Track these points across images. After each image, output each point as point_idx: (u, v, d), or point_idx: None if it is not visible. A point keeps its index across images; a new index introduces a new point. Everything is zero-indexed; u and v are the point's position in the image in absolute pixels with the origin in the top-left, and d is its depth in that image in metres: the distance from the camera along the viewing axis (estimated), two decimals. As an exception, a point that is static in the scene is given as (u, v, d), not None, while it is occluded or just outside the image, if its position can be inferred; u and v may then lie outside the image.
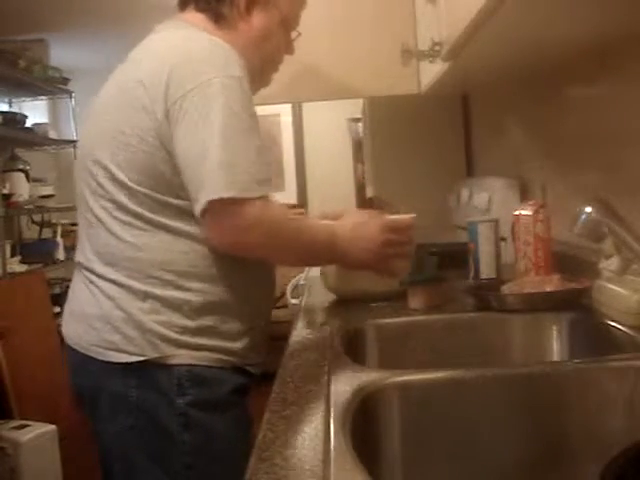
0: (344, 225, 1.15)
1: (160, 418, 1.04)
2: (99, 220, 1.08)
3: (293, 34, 1.26)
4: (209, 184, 0.98)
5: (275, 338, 1.20)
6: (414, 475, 0.77)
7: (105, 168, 1.06)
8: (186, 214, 1.05)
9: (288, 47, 1.26)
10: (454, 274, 1.41)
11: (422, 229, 1.25)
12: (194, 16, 1.15)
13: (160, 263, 1.05)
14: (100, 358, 1.06)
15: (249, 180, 0.99)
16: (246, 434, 1.06)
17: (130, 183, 1.04)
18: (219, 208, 0.98)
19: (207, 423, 1.05)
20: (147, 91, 1.02)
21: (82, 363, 1.09)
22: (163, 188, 1.04)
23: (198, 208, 0.99)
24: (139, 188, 1.04)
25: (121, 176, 1.04)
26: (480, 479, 0.78)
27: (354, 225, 1.15)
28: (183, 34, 1.11)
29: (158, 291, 1.04)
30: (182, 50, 1.05)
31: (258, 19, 1.17)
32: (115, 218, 1.06)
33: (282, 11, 1.20)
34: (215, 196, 0.97)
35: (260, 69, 1.19)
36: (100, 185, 1.07)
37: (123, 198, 1.05)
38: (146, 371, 1.04)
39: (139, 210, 1.04)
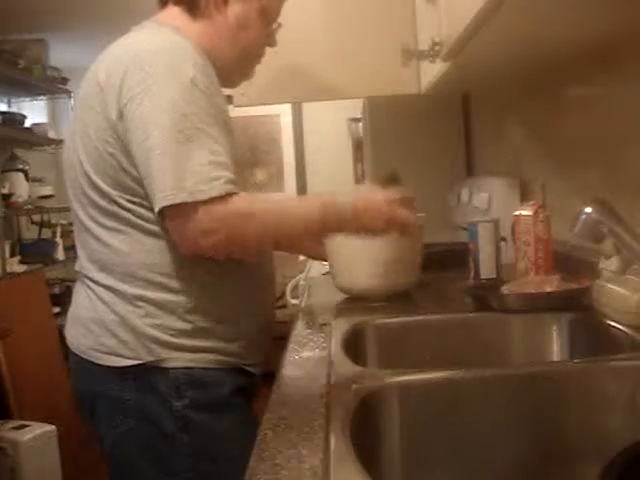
0: (346, 195, 1.13)
1: (159, 421, 1.04)
2: (85, 228, 1.08)
3: (274, 25, 1.24)
4: (158, 190, 0.97)
5: (275, 338, 1.20)
6: (414, 475, 0.77)
7: (85, 174, 1.06)
8: None
9: (269, 39, 1.23)
10: (454, 274, 1.42)
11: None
12: (170, 11, 1.15)
13: (149, 266, 1.04)
14: (98, 362, 1.06)
15: (199, 181, 0.96)
16: (249, 435, 1.06)
17: (108, 188, 1.04)
18: (174, 214, 0.98)
19: (207, 425, 1.05)
20: (103, 94, 1.02)
21: (82, 367, 1.09)
22: (138, 191, 1.03)
23: (156, 213, 0.99)
24: (115, 192, 1.03)
25: (98, 181, 1.04)
26: (480, 479, 0.78)
27: (356, 194, 1.15)
28: (144, 35, 1.09)
29: (150, 294, 1.04)
30: (135, 53, 1.03)
31: (234, 9, 1.16)
32: (99, 224, 1.06)
33: (261, 1, 1.18)
34: (165, 203, 0.96)
35: (240, 60, 1.18)
36: (83, 192, 1.07)
37: (103, 203, 1.04)
38: (143, 375, 1.04)
39: (122, 214, 1.04)
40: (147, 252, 1.04)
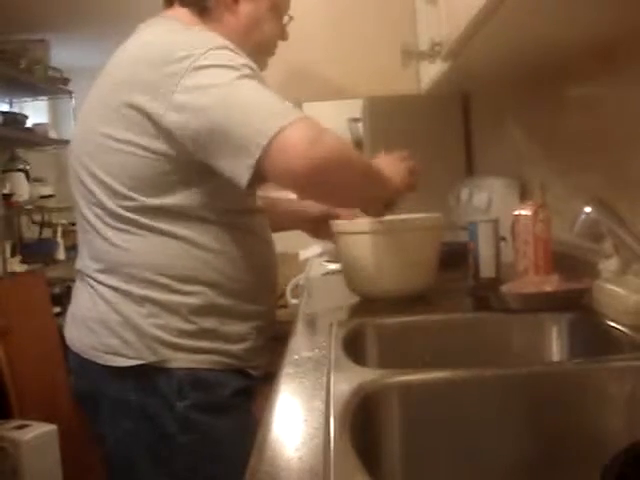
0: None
1: (161, 422, 1.04)
2: (92, 227, 1.07)
3: (285, 19, 1.24)
4: (253, 134, 0.93)
5: (275, 338, 1.20)
6: (414, 475, 0.77)
7: (94, 175, 1.05)
8: (180, 216, 1.04)
9: (281, 32, 1.24)
10: (454, 274, 1.41)
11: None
12: (177, 11, 1.14)
13: (155, 267, 1.04)
14: (100, 362, 1.06)
15: (286, 107, 0.97)
16: (249, 437, 1.06)
17: (121, 188, 1.03)
18: (275, 145, 0.92)
19: (208, 426, 1.05)
20: (136, 91, 1.00)
21: (83, 367, 1.09)
22: (157, 189, 1.03)
23: (250, 164, 0.94)
24: (130, 193, 1.03)
25: (111, 182, 1.03)
26: (480, 479, 0.78)
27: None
28: (162, 29, 1.09)
29: (155, 295, 1.04)
30: (163, 46, 1.03)
31: (245, 9, 1.16)
32: (107, 224, 1.05)
33: None
34: (269, 135, 0.92)
35: (253, 57, 1.19)
36: (90, 192, 1.06)
37: (113, 204, 1.04)
38: (145, 375, 1.04)
39: (131, 215, 1.04)
40: (153, 253, 1.04)
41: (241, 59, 1.01)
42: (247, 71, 0.99)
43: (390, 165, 1.18)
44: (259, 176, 0.96)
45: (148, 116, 1.00)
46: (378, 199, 1.19)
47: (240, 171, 0.95)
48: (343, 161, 1.01)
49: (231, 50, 1.02)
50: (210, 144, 0.97)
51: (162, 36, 1.06)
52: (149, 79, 1.00)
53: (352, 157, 1.05)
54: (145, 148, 1.01)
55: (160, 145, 1.00)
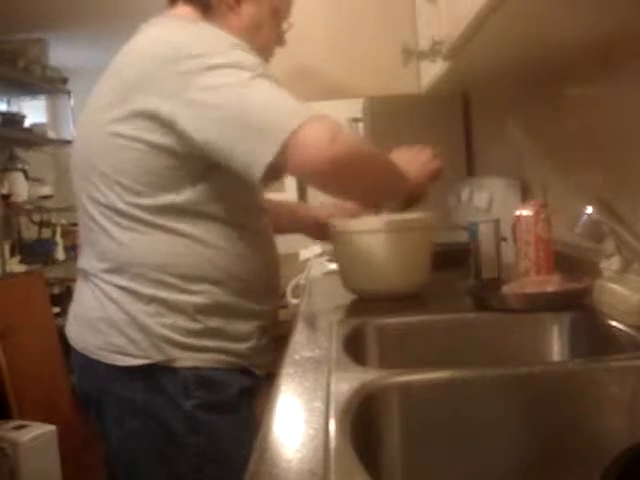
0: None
1: (166, 421, 1.03)
2: (99, 226, 1.07)
3: (284, 25, 1.24)
4: (271, 132, 0.94)
5: (276, 338, 1.20)
6: (414, 475, 0.77)
7: (101, 173, 1.05)
8: (187, 214, 1.04)
9: (279, 38, 1.24)
10: (454, 274, 1.41)
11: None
12: (182, 9, 1.14)
13: (162, 266, 1.04)
14: (106, 361, 1.05)
15: (302, 106, 0.97)
16: (253, 436, 1.06)
17: (130, 186, 1.02)
18: (295, 142, 0.93)
19: (214, 425, 1.05)
20: (147, 89, 1.00)
21: (88, 367, 1.09)
22: (166, 187, 1.02)
23: (267, 161, 0.94)
24: (140, 190, 1.02)
25: (120, 180, 1.03)
26: (480, 479, 0.78)
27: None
28: (170, 26, 1.09)
29: (162, 294, 1.04)
30: (173, 40, 1.03)
31: (248, 10, 1.16)
32: (115, 223, 1.05)
33: (273, 1, 1.18)
34: (287, 133, 0.93)
35: None
36: (98, 191, 1.06)
37: (122, 202, 1.03)
38: (152, 374, 1.03)
39: (139, 213, 1.03)
40: (160, 252, 1.04)
41: (254, 58, 1.01)
42: (261, 70, 0.99)
43: (407, 158, 1.20)
44: (271, 172, 0.96)
45: (160, 114, 0.99)
46: (396, 193, 1.20)
47: (256, 167, 0.95)
48: (363, 156, 1.03)
49: (244, 50, 1.01)
50: (224, 143, 0.97)
51: (172, 33, 1.05)
52: (160, 77, 0.99)
53: (371, 152, 1.07)
54: (155, 145, 1.00)
55: (170, 142, 1.00)
